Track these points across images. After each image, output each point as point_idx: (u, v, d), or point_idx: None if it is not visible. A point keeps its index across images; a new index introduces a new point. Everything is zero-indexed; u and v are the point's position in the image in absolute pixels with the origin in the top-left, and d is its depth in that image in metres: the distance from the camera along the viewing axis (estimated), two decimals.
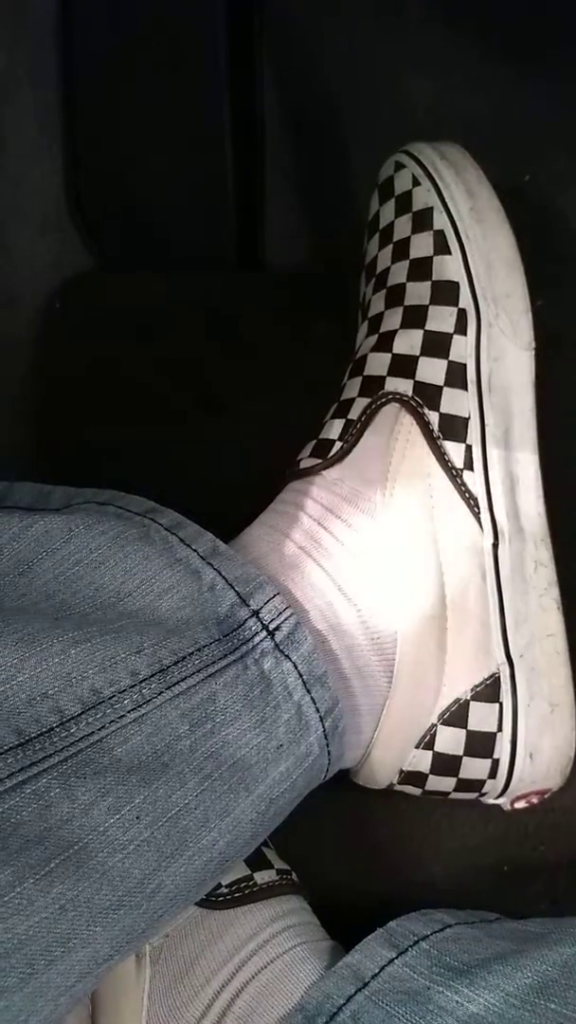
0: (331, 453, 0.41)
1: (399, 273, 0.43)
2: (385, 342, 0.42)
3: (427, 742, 0.39)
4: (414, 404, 0.40)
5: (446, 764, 0.39)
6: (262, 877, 0.40)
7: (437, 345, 0.41)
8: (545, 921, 0.38)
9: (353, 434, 0.40)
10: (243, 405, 0.50)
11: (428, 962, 0.35)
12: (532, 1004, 0.32)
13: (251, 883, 0.39)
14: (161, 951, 0.38)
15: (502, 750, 0.39)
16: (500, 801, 0.42)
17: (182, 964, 0.37)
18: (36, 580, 0.34)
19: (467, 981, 0.33)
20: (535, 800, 0.41)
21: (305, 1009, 0.35)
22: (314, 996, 0.35)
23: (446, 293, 0.41)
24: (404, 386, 0.40)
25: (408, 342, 0.41)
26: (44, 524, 0.35)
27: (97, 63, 0.53)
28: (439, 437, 0.40)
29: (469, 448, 0.40)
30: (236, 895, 0.39)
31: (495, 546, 0.40)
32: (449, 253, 0.42)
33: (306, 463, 0.41)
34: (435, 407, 0.40)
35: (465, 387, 0.41)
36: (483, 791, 0.40)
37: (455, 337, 0.41)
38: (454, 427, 0.40)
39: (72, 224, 0.52)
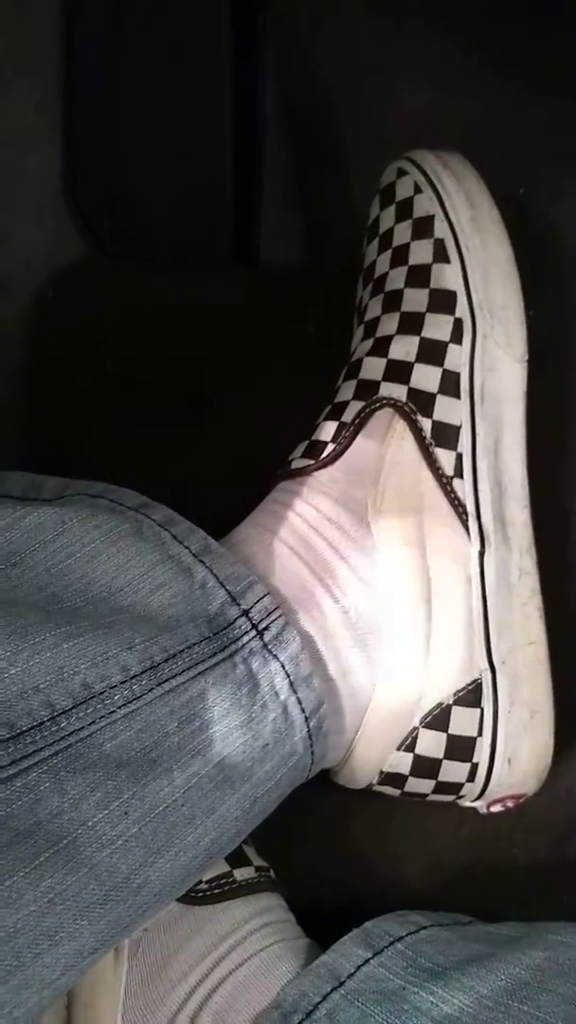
0: (323, 455, 0.41)
1: (397, 279, 0.43)
2: (381, 347, 0.42)
3: (408, 744, 0.39)
4: (408, 410, 0.40)
5: (426, 767, 0.40)
6: (241, 874, 0.40)
7: (433, 353, 0.41)
8: (518, 925, 0.39)
9: (346, 437, 0.41)
10: (237, 402, 0.50)
11: (403, 963, 0.36)
12: (505, 1006, 0.32)
13: (230, 880, 0.40)
14: (139, 945, 0.38)
15: (481, 754, 0.40)
16: (477, 804, 0.42)
17: (160, 959, 0.38)
18: (28, 572, 0.34)
19: (441, 983, 0.34)
20: (511, 804, 0.42)
21: (282, 1006, 0.35)
22: (291, 993, 0.35)
23: (444, 301, 0.42)
24: (398, 392, 0.41)
25: (404, 348, 0.41)
26: (37, 516, 0.35)
27: (97, 53, 0.52)
28: (431, 444, 0.40)
29: (460, 456, 0.40)
30: (215, 891, 0.39)
31: (481, 554, 0.40)
32: (448, 262, 0.42)
33: (298, 464, 0.41)
34: (428, 414, 0.41)
35: (458, 396, 0.41)
36: (461, 794, 0.41)
37: (450, 346, 0.41)
38: (446, 435, 0.40)
39: (68, 214, 0.52)
